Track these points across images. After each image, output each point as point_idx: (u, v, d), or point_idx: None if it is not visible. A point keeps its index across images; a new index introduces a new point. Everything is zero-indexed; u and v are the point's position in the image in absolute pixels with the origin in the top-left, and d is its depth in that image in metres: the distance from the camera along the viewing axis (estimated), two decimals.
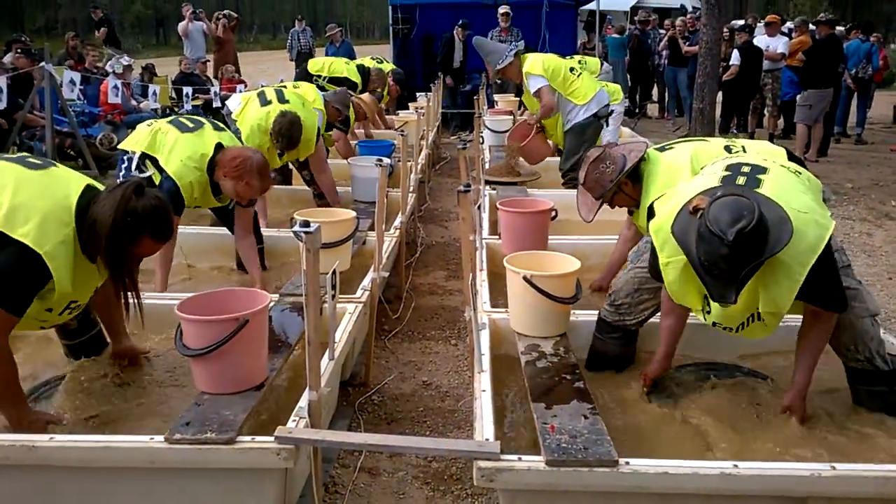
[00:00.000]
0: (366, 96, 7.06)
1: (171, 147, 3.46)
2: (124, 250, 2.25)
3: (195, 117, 3.75)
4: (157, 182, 3.48)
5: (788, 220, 2.07)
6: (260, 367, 2.45)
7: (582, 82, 5.45)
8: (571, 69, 5.49)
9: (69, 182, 2.34)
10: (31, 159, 2.42)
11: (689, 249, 2.10)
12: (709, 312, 2.35)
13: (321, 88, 7.48)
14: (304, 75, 7.95)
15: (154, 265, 3.53)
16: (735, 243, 1.97)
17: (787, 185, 2.29)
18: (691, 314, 2.55)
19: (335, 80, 7.68)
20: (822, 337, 2.41)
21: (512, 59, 5.35)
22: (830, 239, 2.18)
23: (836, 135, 10.86)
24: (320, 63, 8.01)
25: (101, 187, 2.37)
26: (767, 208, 2.08)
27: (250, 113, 4.49)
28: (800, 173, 2.44)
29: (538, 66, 5.33)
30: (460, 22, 10.97)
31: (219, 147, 3.46)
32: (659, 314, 2.74)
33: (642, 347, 2.94)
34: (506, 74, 5.54)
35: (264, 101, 4.54)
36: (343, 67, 7.90)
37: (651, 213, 2.55)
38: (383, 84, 8.25)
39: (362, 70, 7.96)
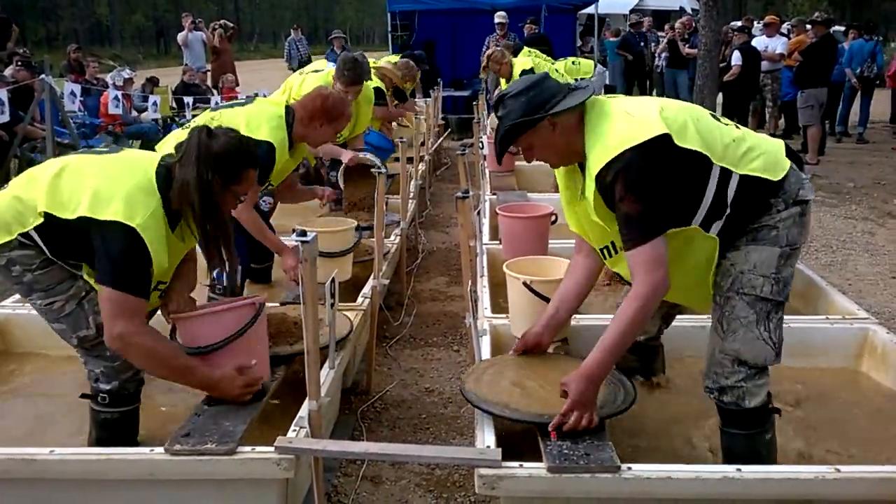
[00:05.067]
0: None
1: (245, 122, 3.14)
2: (219, 204, 2.25)
3: (236, 100, 3.78)
4: None
5: (608, 113, 2.09)
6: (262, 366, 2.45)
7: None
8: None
9: (142, 158, 2.34)
10: (98, 148, 2.49)
11: None
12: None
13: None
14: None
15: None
16: (494, 105, 2.19)
17: (686, 110, 2.15)
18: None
19: None
20: (628, 313, 2.02)
21: None
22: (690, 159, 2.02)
23: (837, 134, 10.85)
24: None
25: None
26: (572, 91, 2.13)
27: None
28: (727, 124, 2.20)
29: None
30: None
31: (287, 109, 3.30)
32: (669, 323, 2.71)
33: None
34: None
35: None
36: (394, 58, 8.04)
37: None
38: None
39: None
